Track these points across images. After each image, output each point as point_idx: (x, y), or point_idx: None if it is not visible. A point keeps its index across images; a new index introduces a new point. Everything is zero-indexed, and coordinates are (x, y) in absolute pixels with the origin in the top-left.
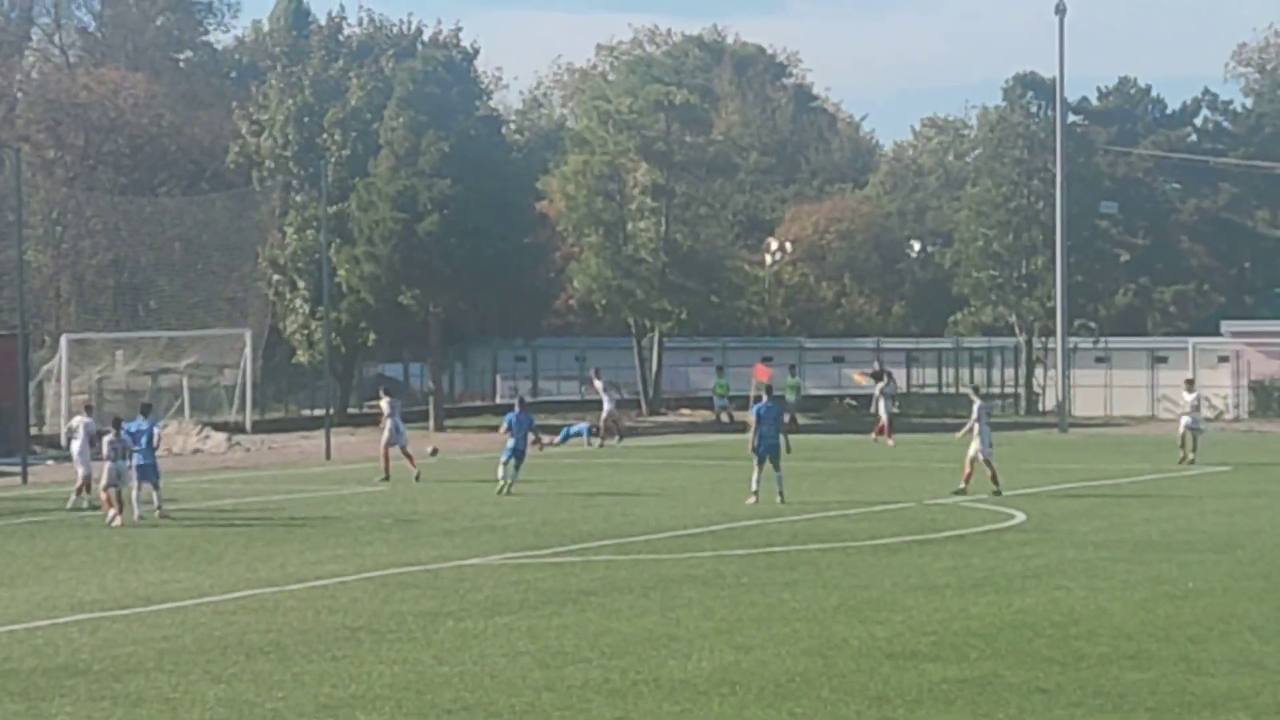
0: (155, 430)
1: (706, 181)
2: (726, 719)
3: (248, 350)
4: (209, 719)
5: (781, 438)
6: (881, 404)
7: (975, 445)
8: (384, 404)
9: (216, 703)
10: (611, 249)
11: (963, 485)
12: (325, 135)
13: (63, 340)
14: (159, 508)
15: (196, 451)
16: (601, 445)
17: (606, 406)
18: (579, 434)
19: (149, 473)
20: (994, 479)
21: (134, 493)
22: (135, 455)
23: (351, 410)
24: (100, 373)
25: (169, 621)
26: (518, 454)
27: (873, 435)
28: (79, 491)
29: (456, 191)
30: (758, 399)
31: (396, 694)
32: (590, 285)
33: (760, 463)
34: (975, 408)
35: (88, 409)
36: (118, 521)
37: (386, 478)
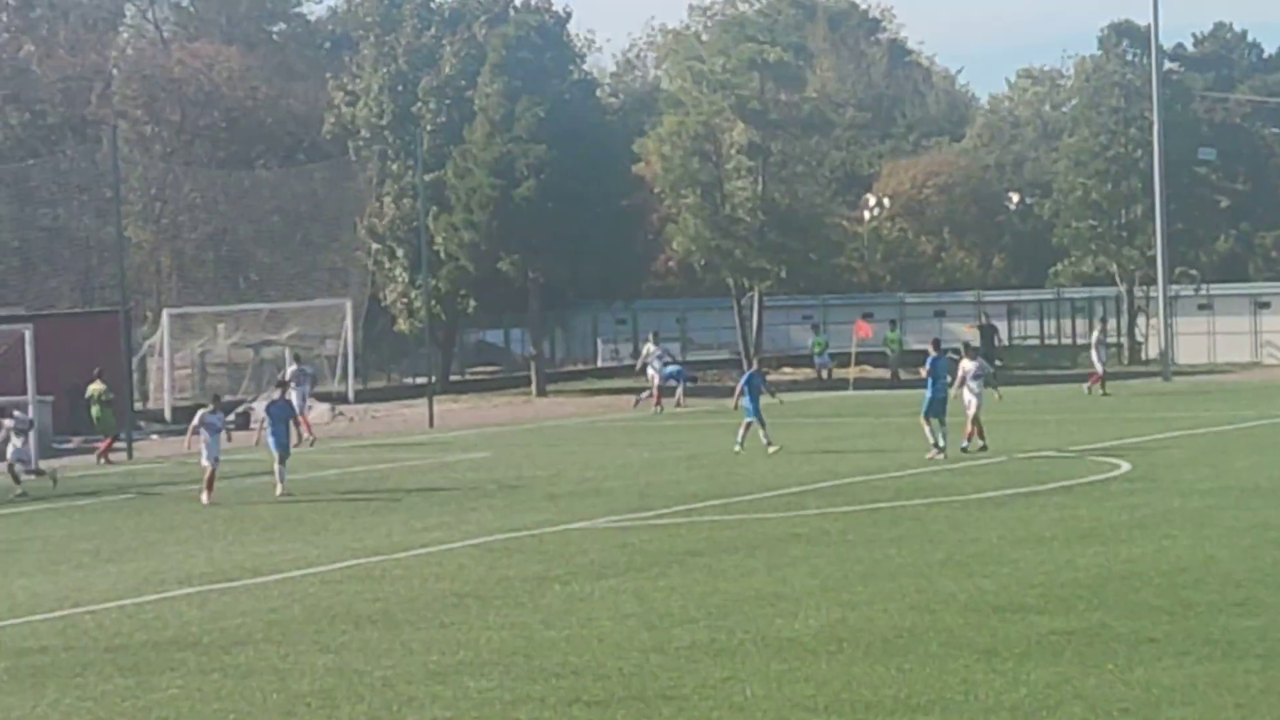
0: (297, 406)
1: (802, 139)
2: (834, 676)
3: (348, 320)
4: (318, 689)
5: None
6: (1095, 353)
7: (973, 402)
8: (289, 371)
9: (325, 672)
10: (709, 209)
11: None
12: (420, 103)
13: (164, 315)
14: (282, 482)
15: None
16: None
17: (652, 373)
18: (676, 375)
19: (285, 449)
20: (980, 434)
21: (276, 469)
22: (273, 432)
23: (454, 378)
24: (202, 346)
25: (277, 593)
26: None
27: (1088, 386)
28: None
29: (552, 156)
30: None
31: (504, 659)
32: (688, 246)
33: (935, 416)
34: (965, 366)
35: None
36: (205, 499)
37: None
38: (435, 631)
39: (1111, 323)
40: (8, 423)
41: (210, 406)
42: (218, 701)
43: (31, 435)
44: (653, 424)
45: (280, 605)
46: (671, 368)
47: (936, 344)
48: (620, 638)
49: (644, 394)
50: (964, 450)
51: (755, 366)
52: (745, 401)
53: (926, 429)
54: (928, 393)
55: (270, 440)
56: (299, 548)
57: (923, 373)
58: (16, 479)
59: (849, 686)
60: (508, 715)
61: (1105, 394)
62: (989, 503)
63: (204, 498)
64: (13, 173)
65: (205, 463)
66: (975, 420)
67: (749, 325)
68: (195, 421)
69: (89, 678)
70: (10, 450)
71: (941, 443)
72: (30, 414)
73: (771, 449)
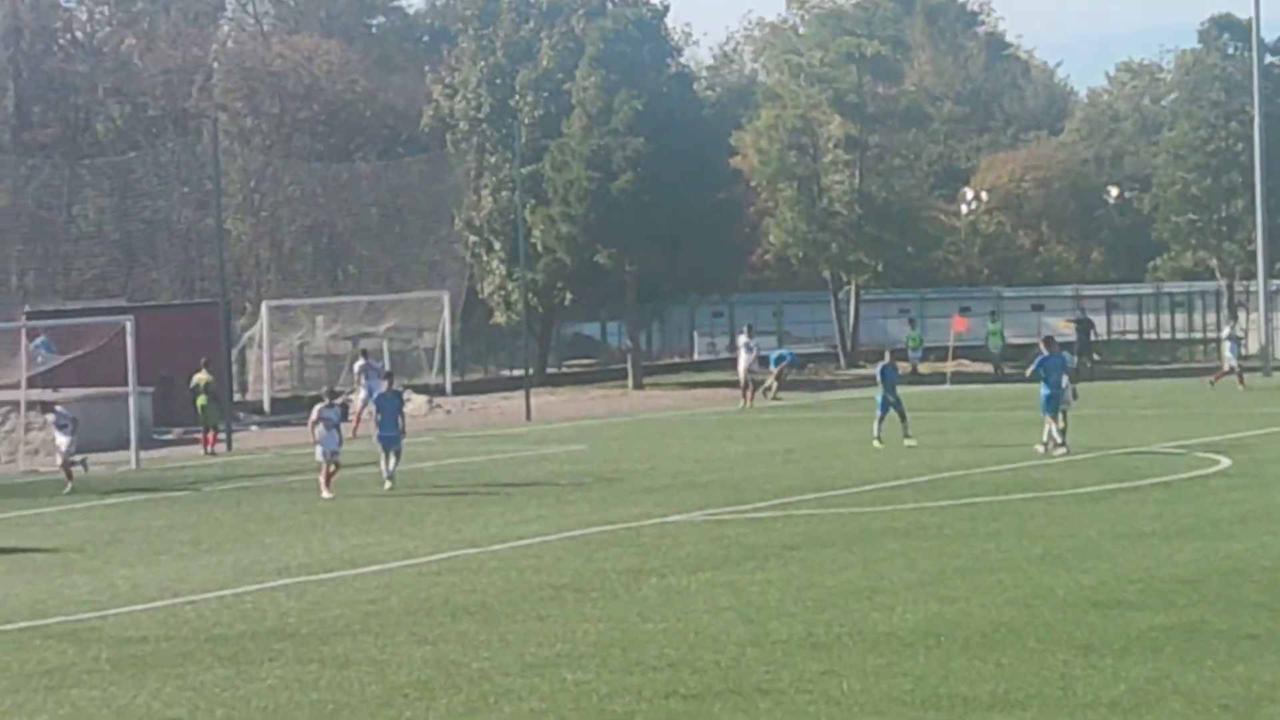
0: (402, 398)
1: (900, 132)
2: (931, 671)
3: (446, 312)
4: (416, 680)
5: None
6: (1227, 348)
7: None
8: (357, 366)
9: (423, 664)
10: (806, 202)
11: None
12: (518, 96)
13: (264, 307)
14: (389, 478)
15: None
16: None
17: (743, 363)
18: (784, 358)
19: (394, 442)
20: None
21: (383, 463)
22: (381, 425)
23: (550, 370)
24: (301, 338)
25: (374, 584)
26: (887, 406)
27: (1213, 380)
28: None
29: (650, 149)
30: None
31: (601, 652)
32: (785, 239)
33: (1052, 412)
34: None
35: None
36: (326, 494)
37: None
38: (532, 624)
39: (1211, 317)
40: (49, 418)
41: (326, 401)
42: (316, 692)
43: (73, 430)
44: (748, 417)
45: (378, 596)
46: (780, 351)
47: (1049, 341)
48: (716, 631)
49: (767, 385)
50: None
51: (889, 359)
52: (878, 394)
53: (1048, 426)
54: (1043, 390)
55: (378, 434)
56: (396, 539)
57: (1027, 372)
58: (69, 475)
59: (946, 681)
60: (604, 708)
61: (1214, 386)
62: (1087, 497)
63: (324, 493)
64: (114, 165)
65: (320, 458)
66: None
67: (846, 319)
68: (314, 417)
69: (189, 667)
70: (64, 446)
71: (1059, 439)
72: (72, 410)
73: (908, 442)
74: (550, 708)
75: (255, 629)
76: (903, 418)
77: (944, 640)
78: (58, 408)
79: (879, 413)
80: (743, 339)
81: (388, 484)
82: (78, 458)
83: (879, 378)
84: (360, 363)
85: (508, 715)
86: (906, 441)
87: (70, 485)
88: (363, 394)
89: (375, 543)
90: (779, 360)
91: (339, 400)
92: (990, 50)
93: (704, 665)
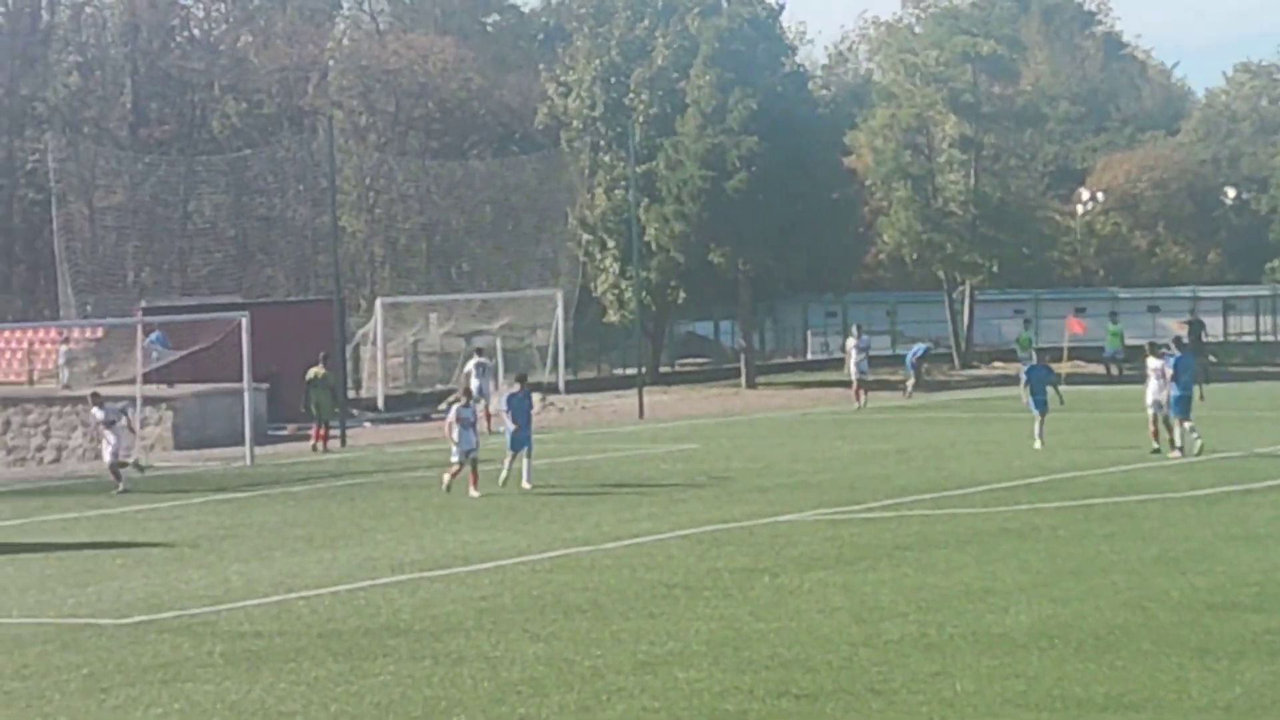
0: (533, 398)
1: (1015, 132)
2: (1045, 672)
3: (559, 310)
4: (528, 677)
5: (1052, 390)
6: None
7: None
8: (470, 365)
9: (535, 661)
10: (920, 202)
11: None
12: (632, 95)
13: (378, 304)
14: (527, 479)
15: None
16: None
17: (853, 363)
18: (918, 352)
19: (527, 442)
20: (1157, 436)
21: (508, 463)
22: (515, 425)
23: (663, 369)
24: (414, 335)
25: (487, 581)
26: (1043, 405)
27: None
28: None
29: (764, 149)
30: (1164, 349)
31: (713, 650)
32: (899, 239)
33: (1181, 414)
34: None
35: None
36: (473, 492)
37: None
38: (644, 622)
39: None
40: (97, 413)
41: (463, 400)
42: (429, 688)
43: (121, 427)
44: (862, 417)
45: (491, 593)
46: (915, 347)
47: (1179, 341)
48: (829, 630)
49: (908, 384)
50: (1154, 452)
51: (1035, 359)
52: (1029, 397)
53: (1178, 430)
54: (1174, 391)
55: (507, 433)
56: (509, 536)
57: (1167, 373)
58: (118, 476)
59: (1060, 683)
60: (716, 706)
61: None
62: (1203, 500)
63: (471, 491)
64: (230, 162)
65: (456, 459)
66: (1163, 421)
67: (960, 319)
68: (450, 417)
69: (303, 662)
70: (108, 450)
71: (1179, 442)
72: (120, 405)
73: (1036, 444)
74: (662, 706)
75: (369, 625)
76: (1041, 417)
77: (1057, 642)
78: (106, 404)
79: (1037, 413)
80: (851, 340)
81: (527, 484)
82: (130, 457)
83: (1024, 378)
84: (474, 360)
85: (620, 713)
86: (1036, 444)
87: (121, 486)
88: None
89: (488, 540)
90: (915, 355)
91: (478, 402)
92: (1107, 50)
93: (816, 665)
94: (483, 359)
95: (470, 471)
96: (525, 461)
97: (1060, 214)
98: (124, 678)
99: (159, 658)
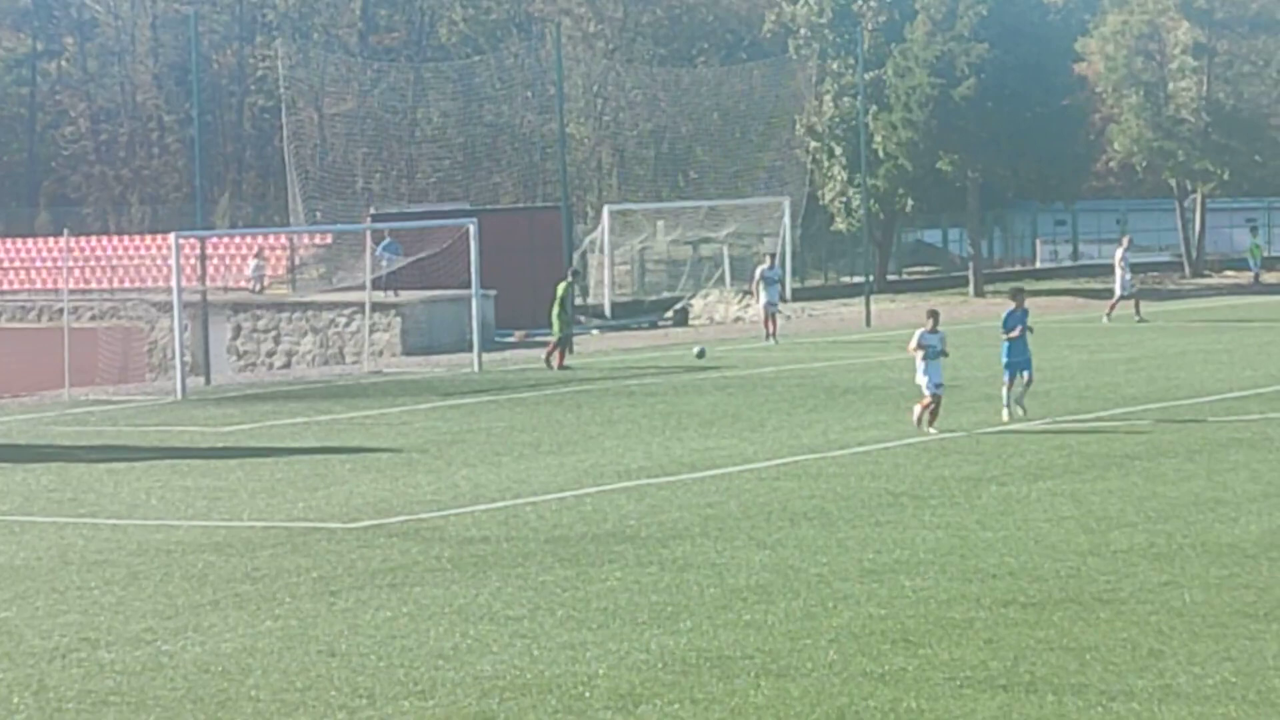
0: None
1: (1249, 39)
2: (1276, 583)
3: (786, 218)
4: (755, 584)
5: None
6: None
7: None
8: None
9: (761, 568)
10: (1151, 110)
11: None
12: (860, 2)
13: (605, 211)
14: (1018, 403)
15: (738, 320)
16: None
17: (1119, 275)
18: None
19: (1025, 365)
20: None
21: (1008, 390)
22: (1010, 347)
23: (891, 277)
24: (642, 243)
25: (713, 488)
26: None
27: None
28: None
29: (993, 55)
30: None
31: (940, 559)
32: (1130, 147)
33: None
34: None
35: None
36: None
37: None
38: (870, 529)
39: None
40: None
41: (929, 324)
42: (655, 594)
43: None
44: (1091, 326)
45: (717, 500)
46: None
47: None
48: (1056, 540)
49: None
50: None
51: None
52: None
53: None
54: None
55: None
56: (735, 444)
57: None
58: None
59: None
60: (942, 614)
61: None
62: None
63: (928, 429)
64: (458, 70)
65: (926, 391)
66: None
67: (1190, 228)
68: (913, 343)
69: (530, 567)
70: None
71: None
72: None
73: None
74: (889, 614)
75: (595, 531)
76: None
77: None
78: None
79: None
80: (1120, 250)
81: (1019, 410)
82: None
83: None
84: (763, 266)
85: (846, 620)
86: None
87: None
88: (763, 298)
89: (714, 447)
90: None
91: (679, 306)
92: None
93: (1044, 574)
94: (773, 267)
95: (928, 405)
96: (1018, 387)
97: None
98: (353, 581)
99: (387, 562)
